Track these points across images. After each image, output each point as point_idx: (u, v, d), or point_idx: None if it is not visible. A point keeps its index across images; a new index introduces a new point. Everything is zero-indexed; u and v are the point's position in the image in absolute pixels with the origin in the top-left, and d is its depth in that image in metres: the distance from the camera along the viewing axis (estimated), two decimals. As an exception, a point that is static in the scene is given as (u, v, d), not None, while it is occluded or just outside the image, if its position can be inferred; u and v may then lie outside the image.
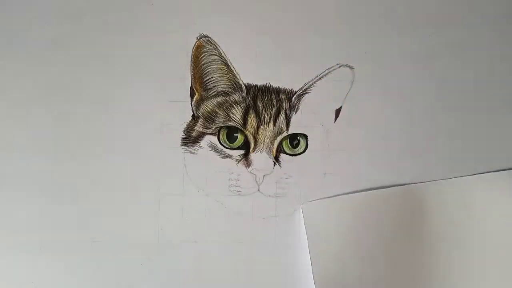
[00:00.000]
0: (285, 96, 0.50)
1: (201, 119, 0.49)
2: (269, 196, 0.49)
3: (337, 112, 0.50)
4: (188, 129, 0.49)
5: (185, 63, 0.49)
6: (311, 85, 0.50)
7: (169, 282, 0.48)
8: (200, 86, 0.49)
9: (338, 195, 0.49)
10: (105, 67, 0.49)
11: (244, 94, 0.49)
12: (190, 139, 0.49)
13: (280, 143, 0.49)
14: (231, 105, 0.49)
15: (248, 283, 0.48)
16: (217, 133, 0.49)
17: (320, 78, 0.50)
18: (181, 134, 0.49)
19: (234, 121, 0.49)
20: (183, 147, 0.49)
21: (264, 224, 0.49)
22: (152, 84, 0.49)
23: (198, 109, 0.50)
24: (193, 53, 0.49)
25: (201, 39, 0.49)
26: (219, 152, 0.49)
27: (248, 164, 0.49)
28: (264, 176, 0.49)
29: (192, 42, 0.49)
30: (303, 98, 0.50)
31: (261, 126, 0.49)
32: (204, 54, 0.49)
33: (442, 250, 0.48)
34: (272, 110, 0.49)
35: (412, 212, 0.49)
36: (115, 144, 0.49)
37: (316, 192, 0.49)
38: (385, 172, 0.49)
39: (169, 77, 0.49)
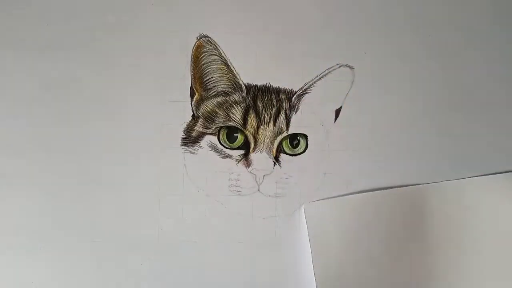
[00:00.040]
0: (285, 96, 0.50)
1: (201, 119, 0.49)
2: (269, 196, 0.49)
3: (337, 112, 0.50)
4: (188, 129, 0.49)
5: (185, 63, 0.49)
6: (311, 85, 0.50)
7: (169, 282, 0.48)
8: (200, 86, 0.49)
9: (340, 195, 0.49)
10: (105, 67, 0.49)
11: (244, 94, 0.49)
12: (190, 139, 0.49)
13: (280, 143, 0.49)
14: (231, 105, 0.49)
15: (248, 283, 0.48)
16: (217, 133, 0.49)
17: (320, 78, 0.50)
18: (181, 134, 0.49)
19: (234, 121, 0.49)
20: (183, 147, 0.49)
21: (264, 224, 0.49)
22: (152, 84, 0.49)
23: (198, 109, 0.49)
24: (193, 53, 0.49)
25: (201, 39, 0.49)
26: (219, 152, 0.49)
27: (248, 164, 0.49)
28: (264, 176, 0.49)
29: (192, 42, 0.49)
30: (303, 98, 0.50)
31: (261, 126, 0.49)
32: (204, 54, 0.49)
33: (443, 251, 0.48)
34: (272, 110, 0.49)
35: (414, 214, 0.49)
36: (115, 144, 0.49)
37: (316, 192, 0.49)
38: (385, 172, 0.49)
39: (169, 77, 0.49)
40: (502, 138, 0.50)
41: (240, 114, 0.49)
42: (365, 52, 0.50)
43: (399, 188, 0.49)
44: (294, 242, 0.49)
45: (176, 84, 0.49)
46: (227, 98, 0.49)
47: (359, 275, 0.47)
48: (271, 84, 0.50)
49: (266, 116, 0.49)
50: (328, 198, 0.49)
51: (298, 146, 0.49)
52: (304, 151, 0.49)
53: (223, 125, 0.49)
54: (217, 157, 0.49)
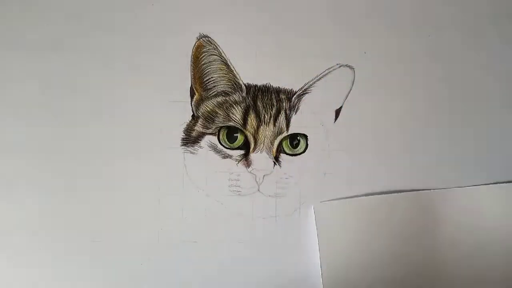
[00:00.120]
0: (285, 96, 0.50)
1: (201, 119, 0.49)
2: (269, 196, 0.49)
3: (337, 112, 0.50)
4: (188, 129, 0.49)
5: (185, 63, 0.49)
6: (311, 85, 0.50)
7: (169, 282, 0.48)
8: (200, 86, 0.49)
9: (348, 197, 0.49)
10: (105, 67, 0.49)
11: (244, 94, 0.49)
12: (190, 139, 0.49)
13: (280, 143, 0.49)
14: (231, 105, 0.49)
15: (248, 283, 0.48)
16: (217, 133, 0.49)
17: (320, 78, 0.50)
18: (181, 134, 0.49)
19: (234, 121, 0.49)
20: (183, 147, 0.49)
21: (264, 224, 0.49)
22: (152, 84, 0.49)
23: (198, 109, 0.49)
24: (193, 53, 0.49)
25: (201, 39, 0.49)
26: (219, 152, 0.49)
27: (248, 164, 0.49)
28: (264, 176, 0.49)
29: (192, 42, 0.49)
30: (303, 98, 0.50)
31: (261, 126, 0.49)
32: (204, 54, 0.49)
33: (452, 255, 0.48)
34: (272, 110, 0.49)
35: (424, 218, 0.49)
36: (115, 144, 0.49)
37: (316, 192, 0.49)
38: (384, 172, 0.49)
39: (169, 77, 0.49)
40: (502, 138, 0.50)
41: (240, 114, 0.49)
42: (365, 52, 0.50)
43: (410, 192, 0.49)
44: (294, 242, 0.49)
45: (176, 84, 0.49)
46: (227, 98, 0.49)
47: (367, 277, 0.47)
48: (271, 84, 0.50)
49: (266, 116, 0.49)
50: (338, 198, 0.49)
51: (298, 146, 0.49)
52: (304, 151, 0.49)
53: (223, 125, 0.49)
54: (217, 157, 0.49)
